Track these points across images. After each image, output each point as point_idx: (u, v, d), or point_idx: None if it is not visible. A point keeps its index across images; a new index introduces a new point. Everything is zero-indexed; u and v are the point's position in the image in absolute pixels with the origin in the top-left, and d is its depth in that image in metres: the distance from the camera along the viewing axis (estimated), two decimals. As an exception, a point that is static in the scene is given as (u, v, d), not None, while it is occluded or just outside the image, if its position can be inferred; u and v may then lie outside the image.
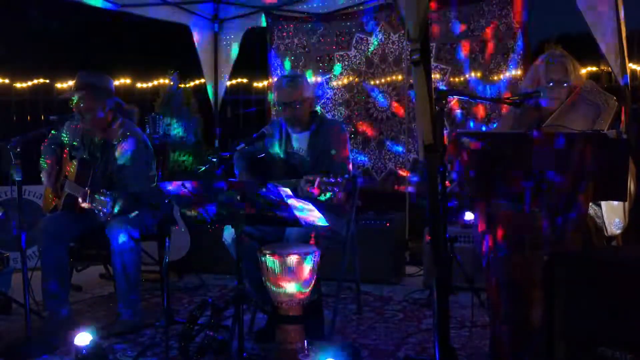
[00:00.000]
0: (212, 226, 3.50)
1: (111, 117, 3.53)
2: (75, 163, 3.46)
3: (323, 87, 5.76)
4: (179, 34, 6.26)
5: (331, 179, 2.78)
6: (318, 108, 3.53)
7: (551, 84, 2.85)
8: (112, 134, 3.50)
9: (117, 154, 3.46)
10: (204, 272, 4.64)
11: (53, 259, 3.32)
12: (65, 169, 3.54)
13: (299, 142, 3.36)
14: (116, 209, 3.13)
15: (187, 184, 2.60)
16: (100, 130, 3.52)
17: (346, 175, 2.80)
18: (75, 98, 3.42)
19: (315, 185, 2.80)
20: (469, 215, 4.20)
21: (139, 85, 7.88)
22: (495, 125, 3.33)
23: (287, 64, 5.93)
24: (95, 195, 3.09)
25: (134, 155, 3.45)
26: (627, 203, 2.62)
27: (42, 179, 3.59)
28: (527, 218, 2.24)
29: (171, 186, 2.67)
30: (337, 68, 5.69)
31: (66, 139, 3.62)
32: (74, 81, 3.49)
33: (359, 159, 5.59)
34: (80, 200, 3.21)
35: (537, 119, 2.90)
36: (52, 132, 3.64)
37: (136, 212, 3.38)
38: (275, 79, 5.80)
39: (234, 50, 6.12)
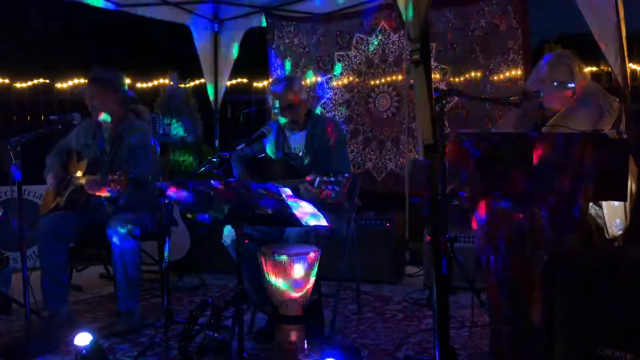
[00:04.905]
0: (212, 226, 3.51)
1: (123, 112, 3.56)
2: (84, 163, 3.49)
3: (323, 87, 5.76)
4: (179, 34, 6.26)
5: (331, 178, 2.79)
6: (318, 109, 3.53)
7: (555, 84, 2.85)
8: (123, 129, 3.52)
9: (126, 146, 3.48)
10: (204, 272, 4.64)
11: (53, 258, 3.32)
12: (72, 171, 3.56)
13: (296, 142, 3.38)
14: (125, 195, 3.13)
15: (188, 184, 2.60)
16: (112, 125, 3.54)
17: (346, 175, 2.80)
18: (87, 92, 3.47)
19: (316, 185, 2.80)
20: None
21: (139, 85, 7.87)
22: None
23: (287, 64, 5.93)
24: (110, 176, 3.08)
25: (143, 149, 3.48)
26: (627, 203, 2.62)
27: (47, 180, 3.59)
28: (527, 218, 2.24)
29: (172, 188, 2.67)
30: (337, 68, 5.69)
31: (76, 143, 3.62)
32: (86, 77, 3.55)
33: (359, 159, 5.59)
34: (92, 187, 3.20)
35: (539, 119, 2.90)
36: (62, 137, 3.67)
37: (141, 208, 3.40)
38: (270, 81, 5.79)
39: (234, 50, 6.13)
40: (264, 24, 6.00)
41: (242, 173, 3.43)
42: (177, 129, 6.05)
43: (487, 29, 4.92)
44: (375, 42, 5.49)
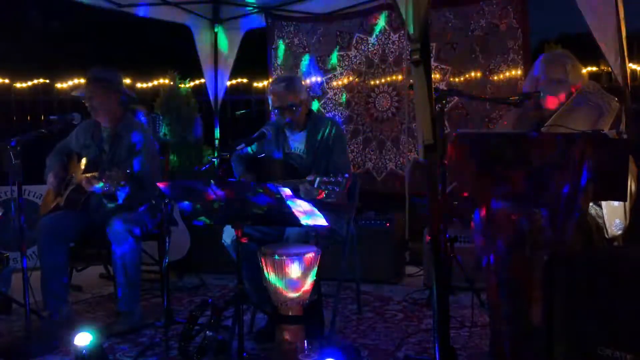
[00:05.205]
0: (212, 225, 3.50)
1: (121, 111, 3.57)
2: (84, 162, 3.49)
3: (323, 87, 5.76)
4: (179, 34, 6.26)
5: (331, 178, 2.79)
6: (316, 104, 3.52)
7: (553, 83, 2.84)
8: (122, 128, 3.53)
9: (125, 146, 3.48)
10: (204, 272, 4.64)
11: (53, 258, 3.32)
12: (72, 171, 3.56)
13: (296, 142, 3.38)
14: (123, 193, 3.12)
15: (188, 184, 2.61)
16: (111, 124, 3.54)
17: (346, 175, 2.80)
18: (87, 92, 3.47)
19: (316, 185, 2.81)
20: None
21: (139, 85, 7.87)
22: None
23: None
24: (107, 172, 3.08)
25: (140, 147, 3.48)
26: (627, 203, 2.62)
27: (48, 180, 3.59)
28: (527, 218, 2.24)
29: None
30: (337, 68, 5.69)
31: (75, 143, 3.62)
32: (85, 77, 3.54)
33: (359, 159, 5.59)
34: (93, 180, 3.21)
35: (538, 119, 2.89)
36: (62, 137, 3.67)
37: (141, 208, 3.40)
38: (270, 81, 5.79)
39: (234, 50, 6.13)
40: (264, 24, 6.00)
41: (242, 173, 3.43)
42: (177, 129, 6.05)
43: (487, 29, 4.92)
44: (375, 42, 5.48)
